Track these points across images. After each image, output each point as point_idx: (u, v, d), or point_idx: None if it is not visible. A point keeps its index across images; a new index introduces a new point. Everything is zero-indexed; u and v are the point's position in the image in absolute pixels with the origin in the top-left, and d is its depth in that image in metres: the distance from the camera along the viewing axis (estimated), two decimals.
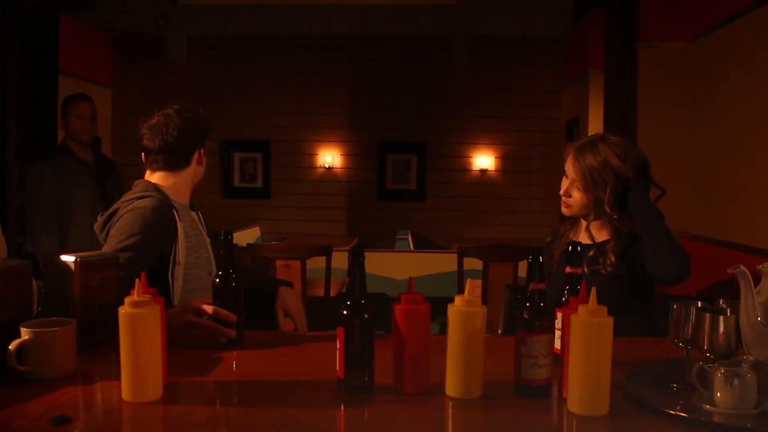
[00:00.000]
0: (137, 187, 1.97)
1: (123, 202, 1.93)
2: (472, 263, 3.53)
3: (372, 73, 6.68)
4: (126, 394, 1.16)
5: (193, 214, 2.09)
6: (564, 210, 2.03)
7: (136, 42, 6.63)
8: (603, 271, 1.89)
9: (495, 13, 6.36)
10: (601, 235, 1.98)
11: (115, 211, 1.92)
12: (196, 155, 2.03)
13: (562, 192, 2.01)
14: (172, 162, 1.98)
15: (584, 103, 5.38)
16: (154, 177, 2.00)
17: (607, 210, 1.93)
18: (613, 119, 4.17)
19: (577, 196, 1.98)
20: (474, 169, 6.67)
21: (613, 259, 1.90)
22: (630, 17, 4.08)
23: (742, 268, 1.15)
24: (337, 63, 6.67)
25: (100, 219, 1.97)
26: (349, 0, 6.33)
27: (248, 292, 1.64)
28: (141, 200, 1.89)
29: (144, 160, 2.02)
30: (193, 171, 2.05)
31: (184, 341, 1.51)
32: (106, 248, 1.80)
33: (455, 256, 3.62)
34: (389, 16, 6.44)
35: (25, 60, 5.22)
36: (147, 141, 1.97)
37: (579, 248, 1.40)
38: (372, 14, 6.46)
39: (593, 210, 1.97)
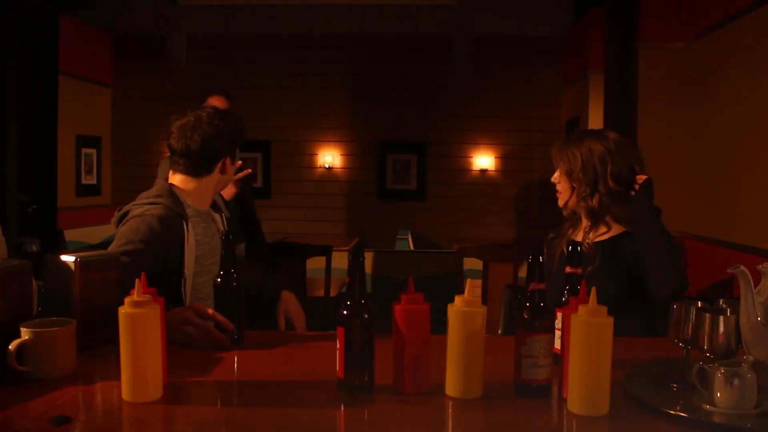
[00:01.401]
0: (152, 189, 1.92)
1: (135, 204, 1.89)
2: (472, 263, 3.53)
3: (372, 73, 6.68)
4: (126, 394, 1.16)
5: (217, 216, 2.04)
6: (559, 202, 2.05)
7: (136, 42, 6.63)
8: (592, 266, 1.89)
9: (495, 13, 6.35)
10: (603, 235, 1.98)
11: (129, 211, 1.88)
12: (220, 164, 1.96)
13: (552, 179, 2.04)
14: (193, 167, 1.92)
15: (584, 103, 5.38)
16: (175, 179, 1.95)
17: (590, 202, 1.95)
18: (613, 119, 4.17)
19: (562, 185, 2.00)
20: (474, 169, 6.67)
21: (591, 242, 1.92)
22: (630, 17, 4.08)
23: (742, 268, 1.15)
24: (337, 63, 6.67)
25: (117, 214, 1.93)
26: (349, 0, 6.32)
27: (250, 295, 1.64)
28: (151, 206, 1.84)
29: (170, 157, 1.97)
30: (216, 179, 1.97)
31: (179, 338, 1.50)
32: (110, 249, 1.79)
33: (455, 256, 3.62)
34: (389, 16, 6.43)
35: (25, 60, 5.23)
36: (172, 140, 1.91)
37: (579, 248, 1.41)
38: (372, 14, 6.46)
39: (583, 202, 1.98)
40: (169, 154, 1.97)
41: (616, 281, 1.89)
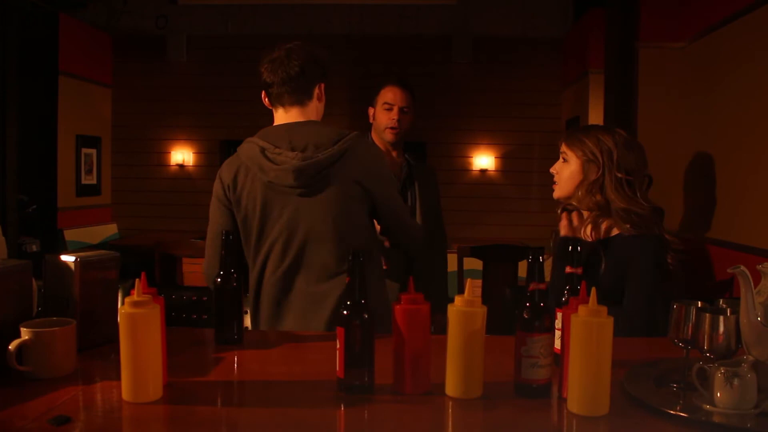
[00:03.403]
0: (321, 127, 1.95)
1: (343, 137, 1.90)
2: (472, 263, 3.53)
3: (372, 73, 6.68)
4: (126, 394, 1.16)
5: None
6: (554, 193, 2.04)
7: (136, 42, 6.63)
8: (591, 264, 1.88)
9: (495, 13, 6.35)
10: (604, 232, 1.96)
11: (346, 136, 1.90)
12: (317, 89, 2.01)
13: (551, 170, 2.03)
14: (296, 94, 1.94)
15: (584, 103, 5.37)
16: (291, 113, 1.95)
17: (595, 194, 1.94)
18: (613, 119, 4.17)
19: (564, 173, 2.00)
20: (474, 169, 6.67)
21: (591, 236, 1.91)
22: (630, 17, 4.07)
23: (742, 268, 1.15)
24: (336, 63, 6.67)
25: (295, 156, 1.83)
26: (349, 0, 6.32)
27: None
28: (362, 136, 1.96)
29: (265, 98, 1.99)
30: (315, 107, 2.01)
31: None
32: (380, 189, 1.90)
33: (455, 256, 3.62)
34: (389, 16, 6.43)
35: (25, 60, 5.23)
36: (268, 75, 1.93)
37: (579, 248, 1.40)
38: (372, 14, 6.45)
39: (587, 193, 1.97)
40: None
41: (615, 281, 1.87)
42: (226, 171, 1.96)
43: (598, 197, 1.94)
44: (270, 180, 1.84)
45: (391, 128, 2.66)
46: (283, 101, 1.95)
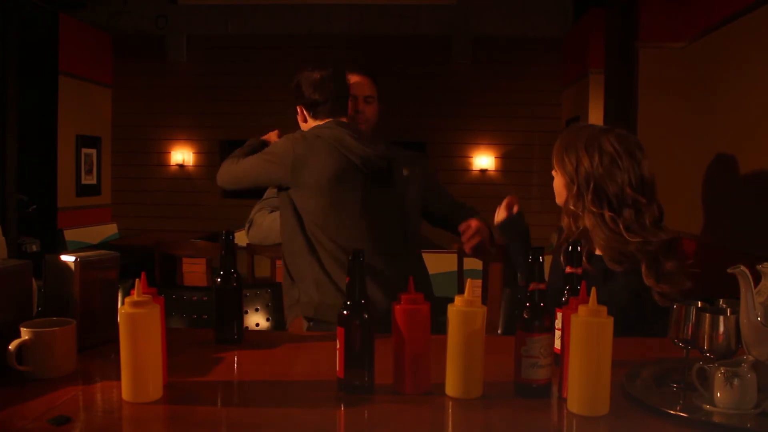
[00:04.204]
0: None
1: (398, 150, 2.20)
2: (472, 263, 3.53)
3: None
4: (126, 394, 1.16)
5: None
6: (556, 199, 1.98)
7: (136, 42, 6.64)
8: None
9: (495, 13, 6.36)
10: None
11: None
12: (350, 103, 2.23)
13: (552, 172, 1.97)
14: (338, 109, 2.16)
15: (584, 103, 5.38)
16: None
17: (570, 215, 1.80)
18: (613, 119, 4.17)
19: (555, 184, 1.89)
20: (474, 169, 6.67)
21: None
22: (630, 17, 4.08)
23: (742, 268, 1.15)
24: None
25: (378, 145, 2.10)
26: (349, 0, 6.33)
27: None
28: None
29: (302, 112, 2.22)
30: (347, 118, 2.21)
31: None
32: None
33: (455, 256, 3.62)
34: (389, 16, 6.44)
35: (25, 60, 5.23)
36: (315, 94, 2.15)
37: (579, 247, 1.40)
38: (372, 14, 6.46)
39: (566, 219, 1.83)
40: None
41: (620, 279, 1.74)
42: (293, 144, 2.10)
43: (579, 224, 1.78)
44: (353, 160, 2.04)
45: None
46: (328, 116, 2.17)
